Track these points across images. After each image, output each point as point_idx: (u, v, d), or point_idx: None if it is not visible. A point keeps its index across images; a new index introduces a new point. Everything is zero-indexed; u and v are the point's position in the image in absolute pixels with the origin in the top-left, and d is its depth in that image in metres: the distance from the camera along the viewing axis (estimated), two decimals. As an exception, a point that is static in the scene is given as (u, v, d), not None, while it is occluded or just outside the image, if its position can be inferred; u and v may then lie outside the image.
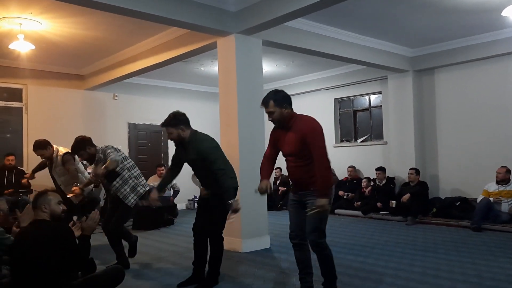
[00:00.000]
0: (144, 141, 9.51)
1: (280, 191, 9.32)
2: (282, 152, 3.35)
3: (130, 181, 4.41)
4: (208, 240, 3.83)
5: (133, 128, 9.23)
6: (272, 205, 8.74)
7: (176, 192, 8.57)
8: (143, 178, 4.60)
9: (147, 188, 4.50)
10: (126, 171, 4.42)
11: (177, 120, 3.83)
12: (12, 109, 7.92)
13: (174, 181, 8.56)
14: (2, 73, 7.65)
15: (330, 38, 6.39)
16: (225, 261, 4.66)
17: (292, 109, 3.25)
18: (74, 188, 5.04)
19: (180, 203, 9.22)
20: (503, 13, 5.57)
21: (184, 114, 3.92)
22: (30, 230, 2.74)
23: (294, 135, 3.16)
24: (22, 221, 3.21)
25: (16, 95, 7.96)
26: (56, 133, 8.18)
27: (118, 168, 4.33)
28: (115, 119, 8.85)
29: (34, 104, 8.04)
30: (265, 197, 5.13)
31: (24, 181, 6.45)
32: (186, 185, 9.81)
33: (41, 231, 2.69)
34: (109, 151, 4.31)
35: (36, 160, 7.86)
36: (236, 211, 3.51)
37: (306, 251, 3.34)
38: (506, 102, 6.96)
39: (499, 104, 7.03)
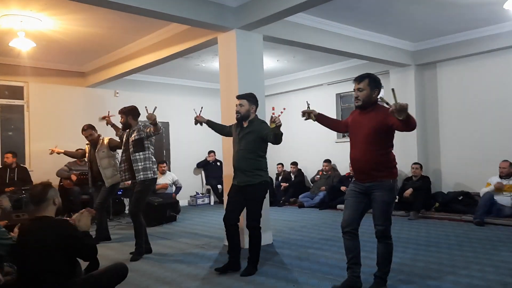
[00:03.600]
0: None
1: (282, 186, 9.32)
2: (353, 135, 3.44)
3: (147, 161, 4.85)
4: (249, 232, 4.08)
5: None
6: (274, 201, 8.76)
7: (178, 188, 8.59)
8: (156, 167, 5.08)
9: (156, 176, 4.96)
10: (149, 152, 4.92)
11: (254, 98, 4.11)
12: (14, 107, 7.93)
13: (176, 178, 8.62)
14: (3, 71, 7.65)
15: (331, 33, 6.36)
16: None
17: (377, 97, 3.36)
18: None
19: (182, 200, 9.23)
20: (505, 6, 5.53)
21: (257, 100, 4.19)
22: (34, 226, 2.71)
23: (376, 118, 3.23)
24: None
25: (17, 93, 7.96)
26: (58, 130, 8.21)
27: (146, 145, 4.87)
28: (117, 116, 8.79)
29: (36, 101, 8.04)
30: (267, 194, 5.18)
31: (54, 149, 6.49)
32: (188, 182, 9.86)
33: (42, 227, 2.67)
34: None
35: (37, 157, 7.91)
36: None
37: (357, 241, 3.38)
38: (509, 96, 6.92)
39: (502, 98, 6.99)
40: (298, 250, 4.94)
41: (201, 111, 4.68)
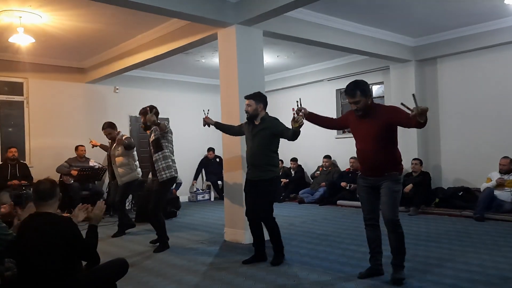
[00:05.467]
0: (146, 134, 9.47)
1: (283, 182, 9.32)
2: (358, 136, 3.57)
3: (168, 160, 4.97)
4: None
5: (135, 121, 9.21)
6: (275, 197, 8.76)
7: (179, 184, 8.58)
8: (175, 166, 5.11)
9: (176, 175, 5.09)
10: (168, 151, 5.01)
11: (261, 97, 4.25)
12: (14, 103, 7.92)
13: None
14: (3, 67, 7.64)
15: (331, 28, 6.34)
16: (228, 252, 4.69)
17: (372, 99, 3.52)
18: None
19: (183, 196, 9.24)
20: (506, 1, 5.52)
21: (266, 97, 4.35)
22: (34, 223, 2.71)
23: (378, 120, 3.38)
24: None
25: (17, 89, 7.95)
26: (58, 126, 8.21)
27: (163, 144, 4.95)
28: (117, 112, 8.83)
29: (35, 97, 8.03)
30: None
31: (92, 142, 6.90)
32: (189, 178, 9.86)
33: (45, 223, 2.67)
34: (164, 122, 4.99)
35: (37, 153, 7.92)
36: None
37: (378, 232, 3.60)
38: (509, 92, 6.91)
39: (502, 93, 6.98)
40: (298, 245, 4.95)
41: (208, 112, 4.80)
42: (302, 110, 3.79)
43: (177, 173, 5.12)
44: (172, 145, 5.13)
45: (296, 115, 3.79)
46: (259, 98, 4.24)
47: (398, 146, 3.61)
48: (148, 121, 4.75)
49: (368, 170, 3.56)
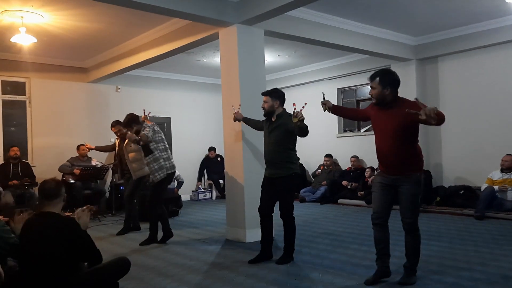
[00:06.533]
0: (148, 133, 9.52)
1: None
2: (378, 130, 3.44)
3: (160, 160, 5.15)
4: (283, 221, 4.23)
5: (137, 120, 9.24)
6: (276, 196, 8.78)
7: (180, 183, 8.61)
8: (170, 161, 5.27)
9: (172, 171, 5.27)
10: (158, 151, 5.17)
11: (277, 94, 4.23)
12: (16, 102, 7.95)
13: (178, 173, 8.63)
14: (5, 67, 7.66)
15: (332, 28, 6.35)
16: (230, 251, 4.71)
17: (397, 92, 3.34)
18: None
19: (184, 195, 9.26)
20: (507, 0, 5.51)
21: (284, 94, 4.29)
22: (38, 222, 2.73)
23: (398, 113, 3.24)
24: (15, 228, 3.05)
25: (19, 88, 7.98)
26: (60, 126, 8.23)
27: (152, 147, 5.12)
28: (119, 112, 8.79)
29: (38, 97, 8.05)
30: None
31: (87, 145, 7.31)
32: (190, 177, 9.88)
33: (49, 223, 2.68)
34: (147, 128, 5.13)
35: (39, 153, 7.94)
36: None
37: (386, 232, 3.46)
38: (511, 90, 6.91)
39: (503, 92, 6.98)
40: (299, 244, 4.95)
41: (239, 108, 4.92)
42: (327, 104, 3.67)
43: (173, 169, 5.28)
44: (163, 142, 5.28)
45: (296, 110, 3.75)
46: (276, 95, 4.21)
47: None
48: (130, 140, 5.08)
49: (386, 167, 3.42)
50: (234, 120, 4.89)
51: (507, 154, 6.48)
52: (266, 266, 4.07)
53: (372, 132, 3.66)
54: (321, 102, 3.69)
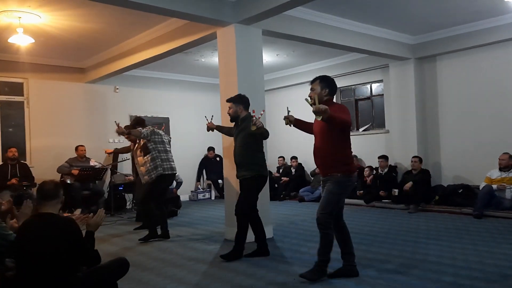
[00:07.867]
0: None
1: (283, 181, 9.34)
2: (314, 134, 3.63)
3: (156, 160, 5.36)
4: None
5: (135, 121, 9.23)
6: (275, 195, 8.78)
7: (179, 183, 8.59)
8: (169, 163, 5.46)
9: (170, 172, 5.43)
10: (156, 152, 5.38)
11: (240, 99, 4.46)
12: (14, 103, 7.94)
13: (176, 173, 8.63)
14: (3, 67, 7.64)
15: (330, 27, 6.35)
16: (228, 251, 4.69)
17: (332, 97, 3.58)
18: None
19: (183, 195, 9.25)
20: (505, -1, 5.52)
21: (248, 99, 4.50)
22: (36, 223, 2.72)
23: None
24: (19, 219, 3.12)
25: (17, 89, 7.96)
26: (58, 126, 8.22)
27: (150, 147, 5.37)
28: (117, 112, 8.84)
29: (36, 97, 8.04)
30: (267, 189, 5.26)
31: (106, 151, 7.82)
32: (189, 177, 9.88)
33: (48, 224, 2.68)
34: (145, 128, 5.46)
35: (37, 154, 7.93)
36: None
37: (338, 231, 3.65)
38: (509, 89, 6.91)
39: (502, 91, 6.99)
40: (298, 243, 4.97)
41: (212, 118, 5.00)
42: (289, 118, 3.67)
43: (171, 171, 5.44)
44: (162, 144, 5.48)
45: (255, 118, 3.97)
46: (239, 100, 4.44)
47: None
48: (118, 133, 5.40)
49: (318, 167, 3.66)
50: (208, 130, 5.00)
51: (504, 153, 6.49)
52: (264, 266, 4.07)
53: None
54: (284, 116, 3.69)
